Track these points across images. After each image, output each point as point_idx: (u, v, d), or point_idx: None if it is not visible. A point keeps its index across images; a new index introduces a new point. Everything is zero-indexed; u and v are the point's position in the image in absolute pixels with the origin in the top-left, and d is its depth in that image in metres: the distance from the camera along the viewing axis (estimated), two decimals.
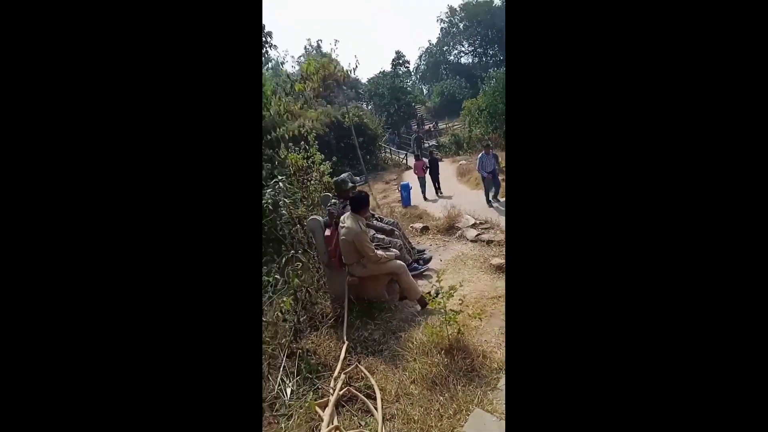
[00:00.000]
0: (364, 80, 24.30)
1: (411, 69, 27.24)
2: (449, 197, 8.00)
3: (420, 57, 34.01)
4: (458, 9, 31.58)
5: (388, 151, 15.41)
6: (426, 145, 14.14)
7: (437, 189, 8.77)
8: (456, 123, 17.46)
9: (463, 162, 10.35)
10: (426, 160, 9.10)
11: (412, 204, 7.84)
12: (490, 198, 6.72)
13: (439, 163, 9.48)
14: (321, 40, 30.46)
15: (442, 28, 32.50)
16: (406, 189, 8.14)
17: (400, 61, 25.55)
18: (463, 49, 32.69)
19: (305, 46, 29.78)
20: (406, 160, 13.68)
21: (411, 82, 32.78)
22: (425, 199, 8.21)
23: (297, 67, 28.19)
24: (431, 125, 20.70)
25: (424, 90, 32.43)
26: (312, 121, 9.99)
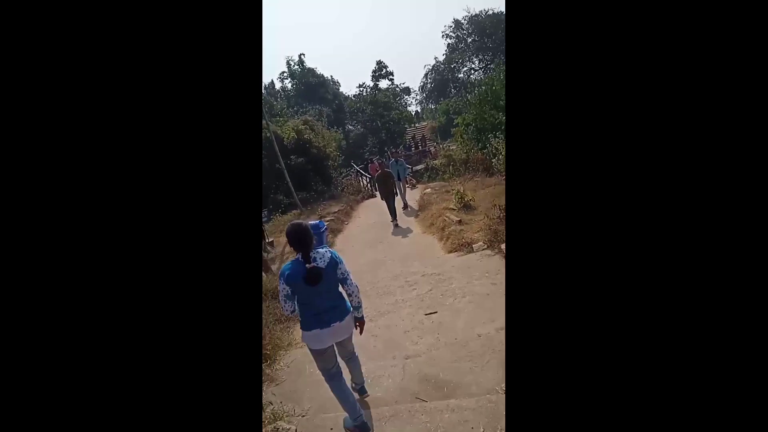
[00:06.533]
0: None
1: (400, 83, 24.34)
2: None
3: (426, 75, 33.53)
4: (464, 22, 30.76)
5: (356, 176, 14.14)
6: (409, 168, 13.02)
7: (404, 204, 8.37)
8: (451, 143, 16.37)
9: (429, 190, 8.90)
10: (377, 162, 8.58)
11: None
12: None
13: (407, 176, 8.53)
14: (304, 54, 27.05)
15: (448, 44, 31.90)
16: (315, 231, 6.72)
17: (382, 72, 22.72)
18: (473, 65, 32.04)
19: (287, 60, 26.58)
20: (370, 185, 12.12)
21: (416, 100, 32.03)
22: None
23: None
24: (431, 146, 19.72)
25: (433, 109, 31.76)
26: None
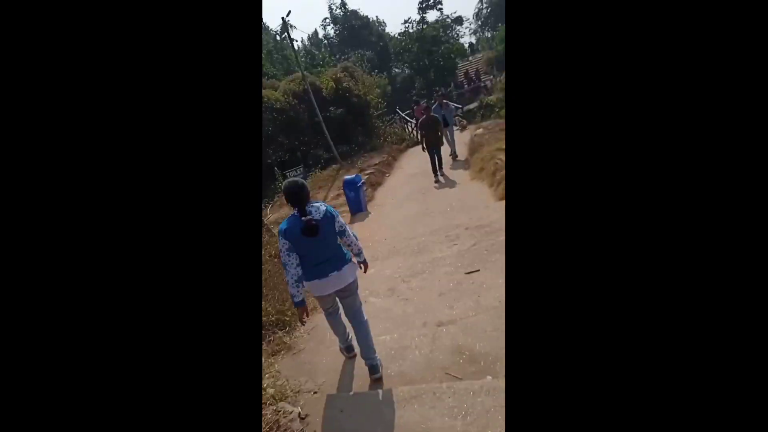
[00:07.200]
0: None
1: (451, 13, 21.77)
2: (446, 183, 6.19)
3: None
4: None
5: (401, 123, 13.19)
6: (460, 108, 11.86)
7: (452, 151, 7.58)
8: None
9: (480, 130, 7.89)
10: (422, 105, 7.81)
11: (365, 209, 6.00)
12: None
13: (455, 117, 7.74)
14: None
15: None
16: (351, 186, 5.83)
17: (429, 2, 20.31)
18: None
19: (329, 5, 25.72)
20: (415, 131, 11.46)
21: (470, 30, 29.14)
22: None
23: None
24: (486, 81, 18.01)
25: (490, 38, 28.68)
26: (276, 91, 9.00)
